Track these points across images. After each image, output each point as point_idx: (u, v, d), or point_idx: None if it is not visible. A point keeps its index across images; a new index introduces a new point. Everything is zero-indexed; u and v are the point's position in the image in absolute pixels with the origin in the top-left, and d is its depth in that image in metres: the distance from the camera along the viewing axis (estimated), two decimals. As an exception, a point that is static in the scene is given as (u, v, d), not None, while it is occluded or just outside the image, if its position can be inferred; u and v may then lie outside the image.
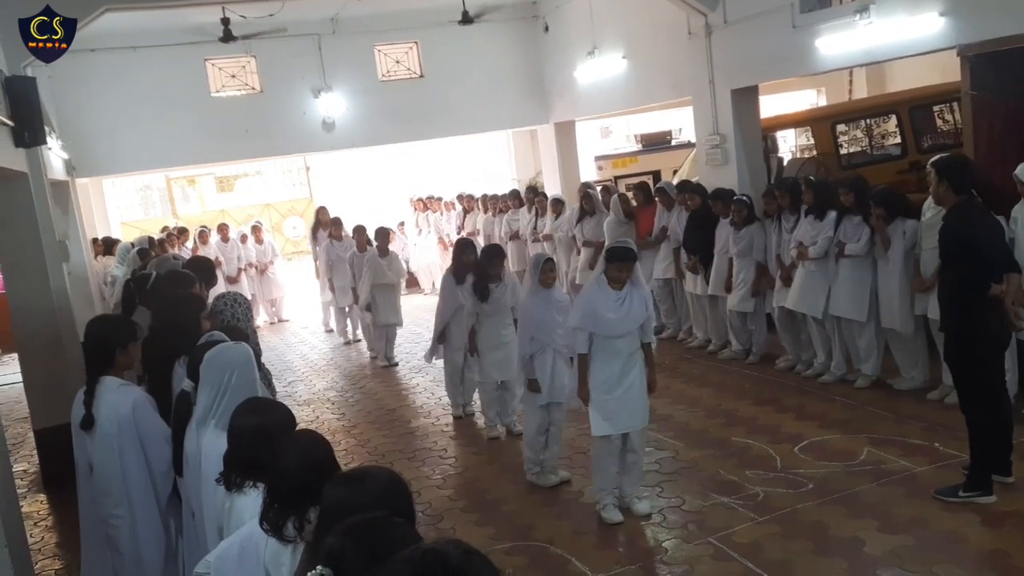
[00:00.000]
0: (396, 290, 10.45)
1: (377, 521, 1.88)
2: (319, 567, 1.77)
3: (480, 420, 7.67)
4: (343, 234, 11.77)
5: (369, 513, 1.92)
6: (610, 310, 5.10)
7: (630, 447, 5.33)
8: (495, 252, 7.14)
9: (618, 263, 5.14)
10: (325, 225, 12.49)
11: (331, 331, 12.75)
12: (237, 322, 4.46)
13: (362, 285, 10.35)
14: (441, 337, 7.64)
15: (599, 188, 11.43)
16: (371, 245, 10.55)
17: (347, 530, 1.85)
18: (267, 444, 2.65)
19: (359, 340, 11.67)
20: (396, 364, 10.27)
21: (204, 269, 6.19)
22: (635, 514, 5.32)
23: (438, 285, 14.35)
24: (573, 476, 6.11)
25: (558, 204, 11.39)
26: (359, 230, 10.96)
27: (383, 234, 10.44)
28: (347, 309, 11.77)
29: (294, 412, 3.02)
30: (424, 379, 9.32)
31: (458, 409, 7.87)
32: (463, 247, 7.66)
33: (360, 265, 10.49)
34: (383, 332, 10.39)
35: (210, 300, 5.20)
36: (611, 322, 5.10)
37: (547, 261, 5.99)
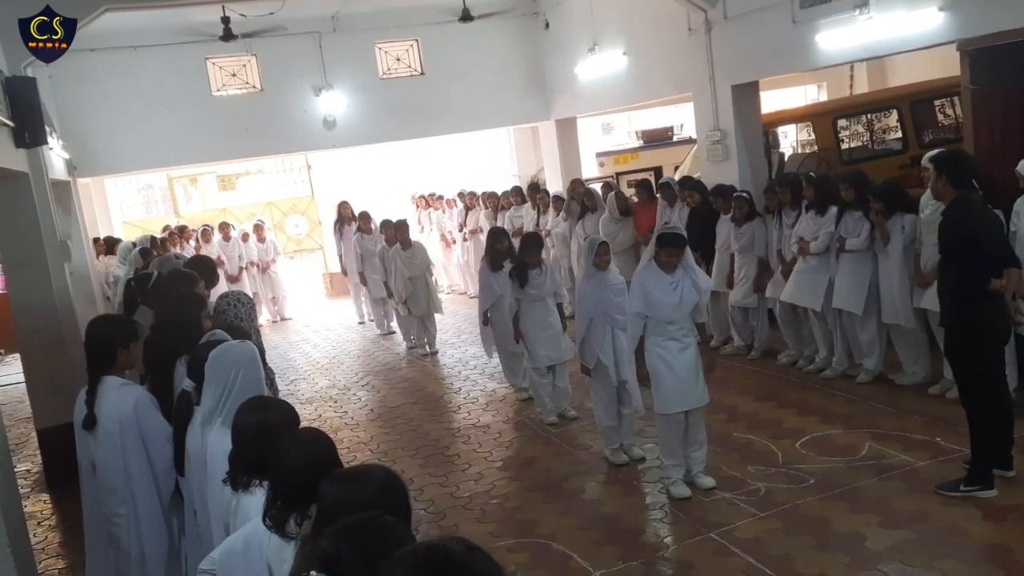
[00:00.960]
0: (424, 280, 10.49)
1: (369, 521, 1.88)
2: (314, 572, 1.78)
3: (484, 416, 7.69)
4: (372, 227, 11.92)
5: (361, 513, 1.92)
6: (664, 294, 5.28)
7: (695, 423, 5.49)
8: (533, 240, 7.37)
9: (669, 248, 5.29)
10: (347, 219, 12.69)
11: (363, 323, 13.03)
12: (240, 321, 4.47)
13: (394, 279, 10.54)
14: (486, 322, 7.91)
15: (600, 185, 11.42)
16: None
17: (340, 531, 1.86)
18: (271, 442, 2.67)
19: (394, 332, 11.80)
20: (436, 352, 10.41)
21: (205, 268, 6.19)
22: (700, 487, 5.45)
23: (442, 282, 14.47)
24: (570, 470, 6.16)
25: (559, 201, 11.40)
26: (386, 225, 11.09)
27: (399, 226, 10.61)
28: (384, 301, 11.88)
29: (297, 410, 3.03)
30: (427, 376, 9.33)
31: (521, 392, 8.04)
32: (496, 236, 8.02)
33: (390, 259, 10.70)
34: (419, 322, 10.57)
35: (212, 299, 5.21)
36: (666, 305, 5.28)
37: (601, 244, 6.17)
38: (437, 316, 10.78)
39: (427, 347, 10.53)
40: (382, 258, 11.10)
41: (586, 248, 6.27)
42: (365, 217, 12.15)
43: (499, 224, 12.77)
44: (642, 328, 5.37)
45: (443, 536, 1.65)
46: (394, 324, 11.80)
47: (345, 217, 12.88)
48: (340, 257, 13.27)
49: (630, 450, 6.23)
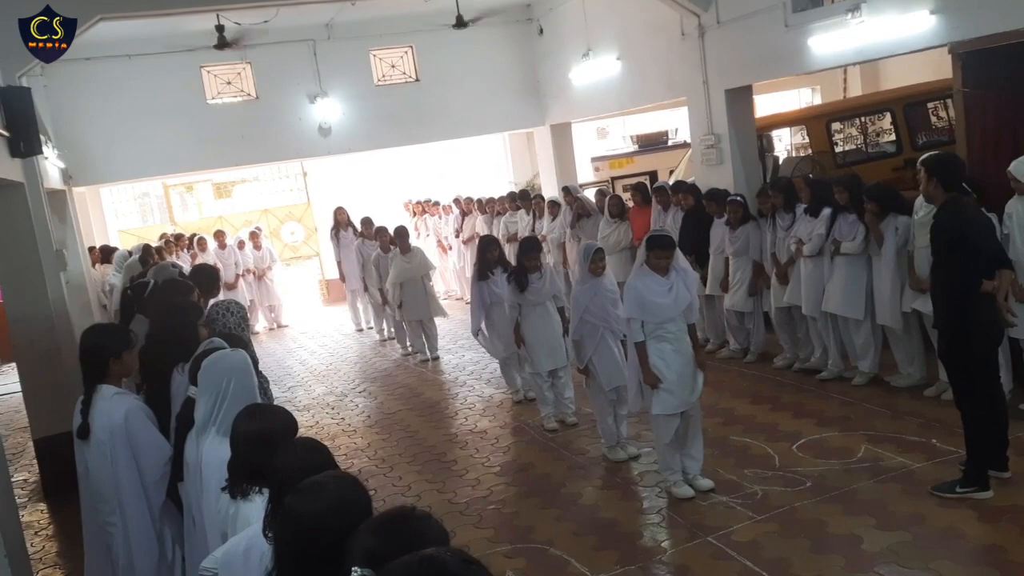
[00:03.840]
0: (422, 284, 10.49)
1: (405, 516, 1.90)
2: (358, 568, 1.78)
3: (481, 422, 7.70)
4: (373, 233, 11.87)
5: (394, 508, 1.94)
6: (659, 296, 5.32)
7: (692, 423, 5.52)
8: (532, 244, 7.35)
9: (658, 250, 5.35)
10: (344, 225, 12.69)
11: (361, 330, 12.97)
12: (231, 330, 4.47)
13: (389, 283, 10.56)
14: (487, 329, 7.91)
15: (595, 190, 11.44)
16: (394, 245, 10.67)
17: (378, 528, 1.88)
18: (269, 449, 2.67)
19: (392, 338, 11.73)
20: (437, 359, 10.36)
21: (208, 278, 6.18)
22: (698, 489, 5.47)
23: (438, 288, 14.46)
24: (567, 475, 6.19)
25: (554, 206, 11.42)
26: (380, 231, 11.14)
27: (400, 233, 10.60)
28: (383, 307, 11.83)
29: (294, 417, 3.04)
30: (424, 383, 9.33)
31: (517, 395, 8.12)
32: (486, 244, 8.01)
33: (384, 265, 10.72)
34: (417, 328, 10.54)
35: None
36: (660, 307, 5.32)
37: (597, 251, 6.25)
38: (439, 320, 10.76)
39: (428, 352, 10.51)
40: (376, 265, 11.11)
41: (581, 254, 6.31)
42: (367, 223, 12.15)
43: (495, 229, 12.83)
44: (641, 333, 5.39)
45: (440, 548, 1.65)
46: (393, 330, 11.74)
47: (341, 223, 12.89)
48: (338, 264, 13.27)
49: (626, 447, 6.31)
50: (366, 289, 12.11)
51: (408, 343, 10.95)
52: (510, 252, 12.16)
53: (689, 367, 5.42)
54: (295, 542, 2.19)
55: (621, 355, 6.16)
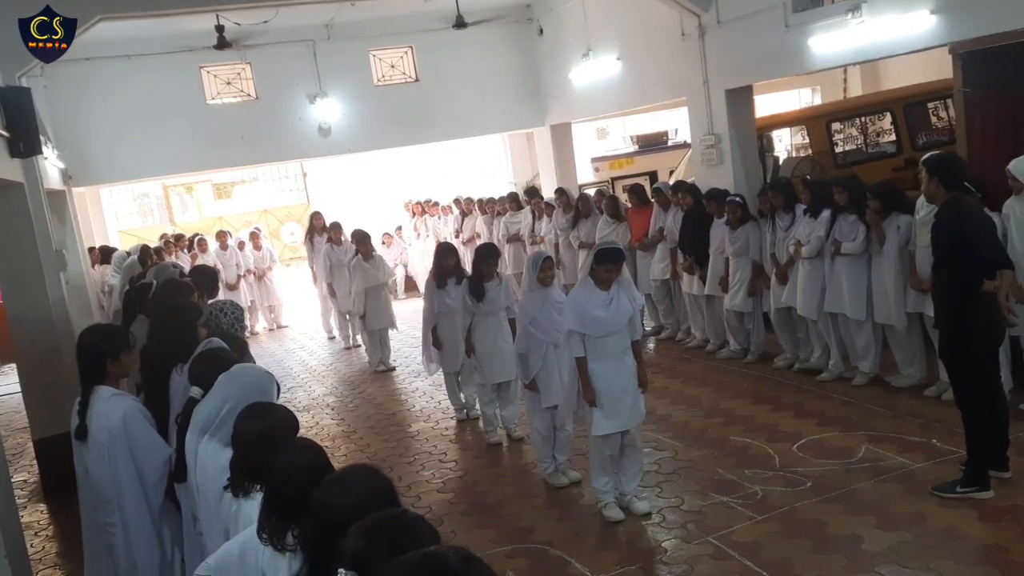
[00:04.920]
0: (384, 293, 10.33)
1: (393, 518, 1.90)
2: (343, 571, 1.78)
3: (481, 422, 7.69)
4: (343, 238, 11.64)
5: (383, 511, 1.94)
6: (599, 308, 5.12)
7: (629, 444, 5.36)
8: (489, 251, 7.09)
9: (608, 264, 5.15)
10: (320, 230, 12.35)
11: (333, 337, 12.65)
12: (234, 329, 4.47)
13: (354, 291, 10.28)
14: (436, 343, 7.61)
15: (595, 191, 11.44)
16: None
17: (366, 530, 1.87)
18: (270, 448, 2.66)
19: (359, 345, 11.55)
20: (393, 369, 10.21)
21: (207, 278, 6.17)
22: (634, 513, 5.34)
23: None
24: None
25: (551, 207, 11.41)
26: (356, 235, 10.81)
27: (362, 237, 10.33)
28: (348, 316, 11.64)
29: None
30: (423, 383, 9.32)
31: (461, 412, 7.88)
32: (443, 252, 7.64)
33: (352, 270, 10.41)
34: (376, 337, 10.31)
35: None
36: (600, 320, 5.12)
37: (546, 260, 6.00)
38: (393, 332, 10.57)
39: (385, 364, 10.24)
40: (350, 269, 10.69)
41: (530, 263, 6.08)
42: (336, 228, 11.81)
43: (495, 230, 12.83)
44: (581, 348, 5.18)
45: (442, 545, 1.65)
46: (360, 337, 11.36)
47: (316, 227, 12.52)
48: (311, 268, 13.04)
49: (567, 472, 6.06)
50: (333, 294, 11.74)
51: (378, 357, 10.43)
52: (510, 252, 12.23)
53: (631, 386, 5.23)
54: (330, 538, 2.14)
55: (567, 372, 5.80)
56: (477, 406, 7.65)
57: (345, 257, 11.16)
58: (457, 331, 7.24)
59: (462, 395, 7.87)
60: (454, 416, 7.91)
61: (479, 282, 6.79)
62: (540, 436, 6.07)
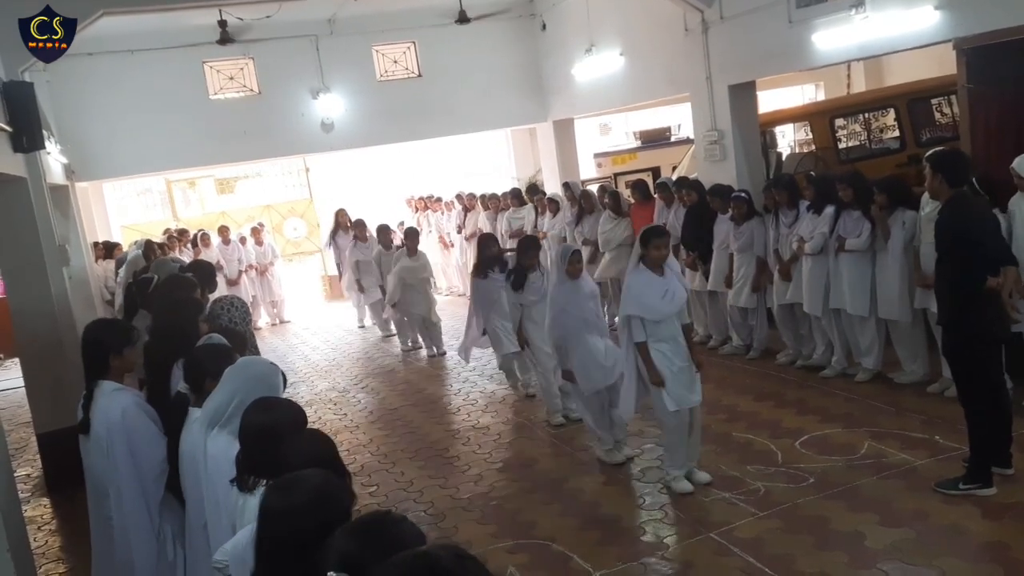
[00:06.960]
0: (426, 287, 10.59)
1: (380, 519, 1.90)
2: (332, 573, 1.78)
3: (483, 418, 7.70)
4: (367, 235, 12.07)
5: (371, 512, 1.94)
6: (657, 293, 5.32)
7: (694, 421, 5.55)
8: (531, 243, 7.33)
9: (656, 240, 5.34)
10: (344, 227, 12.70)
11: (363, 327, 13.02)
12: (235, 326, 4.47)
13: (390, 282, 10.58)
14: (484, 331, 7.91)
15: (598, 186, 11.42)
16: (394, 244, 10.83)
17: (354, 531, 1.87)
18: (278, 442, 2.66)
19: (393, 334, 11.69)
20: (444, 353, 10.39)
21: (205, 273, 6.18)
22: (696, 484, 5.49)
23: (440, 284, 14.48)
24: (569, 471, 6.18)
25: (553, 203, 11.41)
26: (381, 230, 11.36)
27: (410, 234, 10.76)
28: (382, 306, 11.86)
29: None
30: (426, 378, 9.33)
31: (521, 391, 8.11)
32: (485, 242, 8.03)
33: (387, 263, 10.81)
34: (415, 321, 10.62)
35: (208, 304, 5.20)
36: (660, 306, 5.32)
37: (574, 253, 6.19)
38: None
39: (434, 349, 10.52)
40: (378, 262, 11.17)
41: (558, 256, 6.24)
42: (360, 225, 12.22)
43: (498, 225, 12.82)
44: (642, 332, 5.36)
45: (435, 543, 1.64)
46: (393, 327, 11.74)
47: (342, 224, 12.85)
48: (338, 265, 13.31)
49: (622, 448, 6.23)
50: (361, 289, 12.16)
51: (409, 340, 10.96)
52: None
53: (688, 366, 5.43)
54: (271, 539, 2.18)
55: (606, 354, 6.05)
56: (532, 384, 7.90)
57: (371, 253, 11.61)
58: (505, 316, 7.53)
59: (519, 374, 8.10)
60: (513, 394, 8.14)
61: (521, 273, 7.02)
62: (592, 420, 6.22)
